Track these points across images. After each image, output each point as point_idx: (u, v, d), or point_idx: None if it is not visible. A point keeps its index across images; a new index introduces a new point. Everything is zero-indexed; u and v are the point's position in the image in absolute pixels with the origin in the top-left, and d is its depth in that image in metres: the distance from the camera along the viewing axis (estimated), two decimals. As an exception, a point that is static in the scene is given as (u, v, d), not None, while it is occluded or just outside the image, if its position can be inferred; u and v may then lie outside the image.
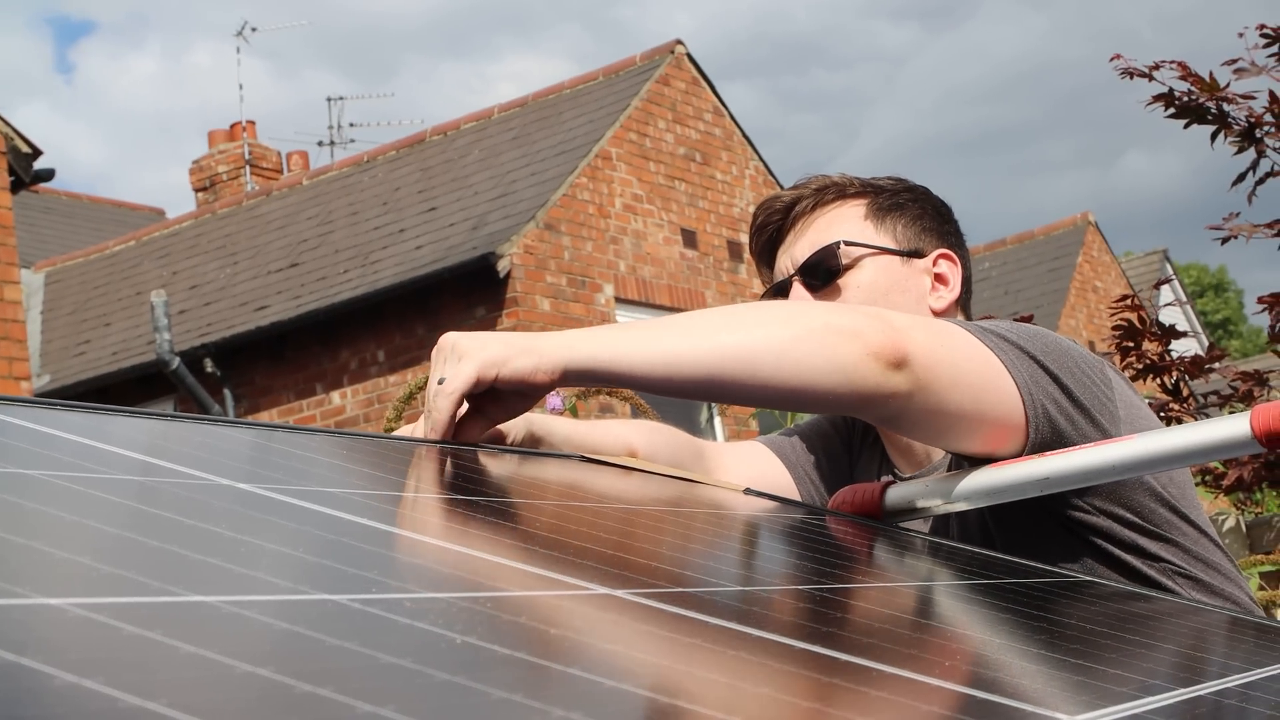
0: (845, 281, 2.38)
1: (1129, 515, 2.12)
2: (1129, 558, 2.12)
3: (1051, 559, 2.12)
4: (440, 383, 1.85)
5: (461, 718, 0.68)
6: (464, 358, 1.84)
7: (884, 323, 1.90)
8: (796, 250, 2.46)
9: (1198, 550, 2.16)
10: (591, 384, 1.91)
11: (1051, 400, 2.02)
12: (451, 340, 1.88)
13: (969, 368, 1.97)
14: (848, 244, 2.41)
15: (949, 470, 2.27)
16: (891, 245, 2.42)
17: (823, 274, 2.40)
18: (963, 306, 2.47)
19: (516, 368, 1.83)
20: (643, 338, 1.89)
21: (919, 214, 2.45)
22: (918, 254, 2.43)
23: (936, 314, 2.38)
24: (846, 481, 2.49)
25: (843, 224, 2.45)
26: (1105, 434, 2.06)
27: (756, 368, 1.87)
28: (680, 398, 1.97)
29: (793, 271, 2.44)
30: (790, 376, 1.87)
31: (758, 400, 1.95)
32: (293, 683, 0.65)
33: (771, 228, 2.52)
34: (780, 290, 2.44)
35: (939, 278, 2.42)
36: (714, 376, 1.87)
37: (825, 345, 1.87)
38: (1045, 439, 2.01)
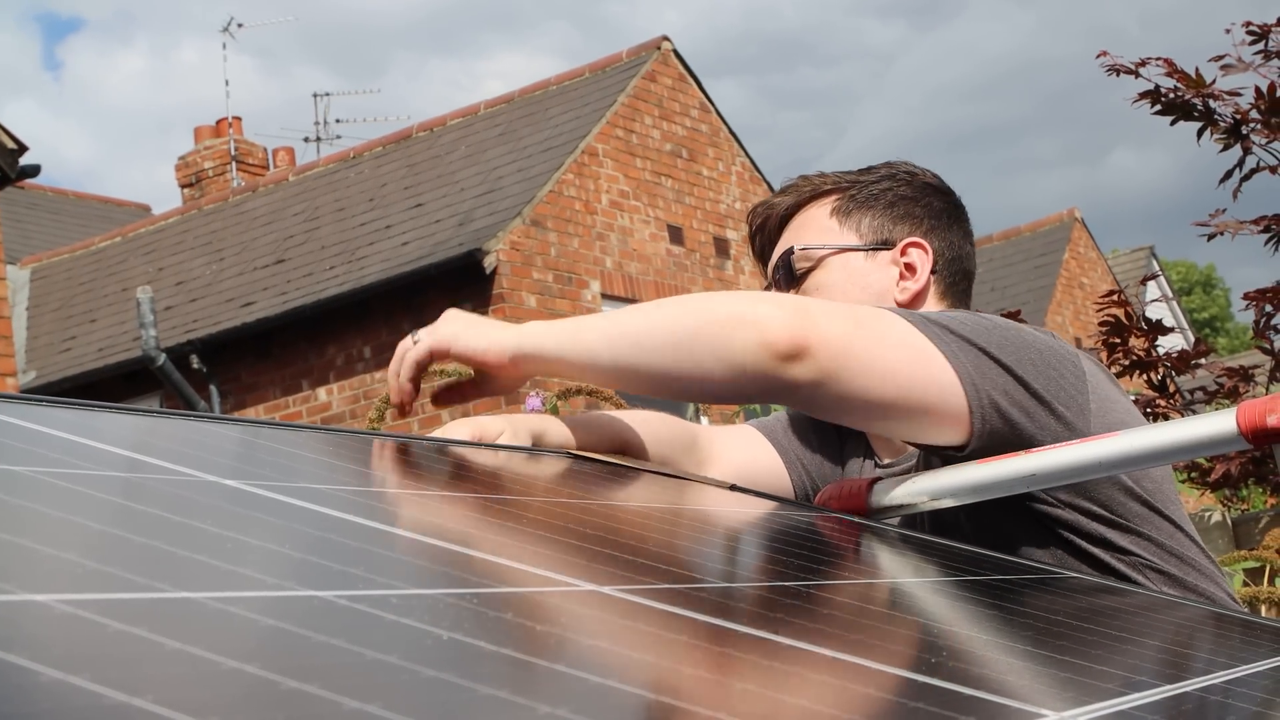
0: (809, 284, 2.40)
1: (1096, 508, 2.11)
2: (1096, 550, 2.11)
3: (1020, 550, 2.12)
4: (416, 343, 2.06)
5: (448, 714, 0.68)
6: (431, 332, 2.04)
7: (793, 312, 1.93)
8: (774, 255, 2.49)
9: (1171, 545, 2.15)
10: (538, 372, 2.05)
11: (1001, 391, 2.01)
12: (450, 315, 2.08)
13: (893, 355, 1.97)
14: (802, 250, 2.42)
15: (918, 460, 2.27)
16: (854, 241, 2.41)
17: (791, 278, 2.42)
18: (949, 291, 2.44)
19: (467, 344, 2.02)
20: (577, 329, 2.02)
21: (891, 202, 2.44)
22: (885, 245, 2.42)
23: (901, 305, 2.36)
24: (837, 463, 2.49)
25: (809, 225, 2.46)
26: (1070, 427, 2.06)
27: (656, 358, 1.96)
28: (607, 386, 2.05)
29: (770, 277, 2.47)
30: (688, 368, 1.94)
31: (662, 391, 2.00)
32: (279, 679, 0.65)
33: (759, 237, 2.55)
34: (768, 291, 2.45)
35: (908, 267, 2.41)
36: (621, 367, 1.99)
37: (720, 337, 1.92)
38: (995, 429, 2.01)
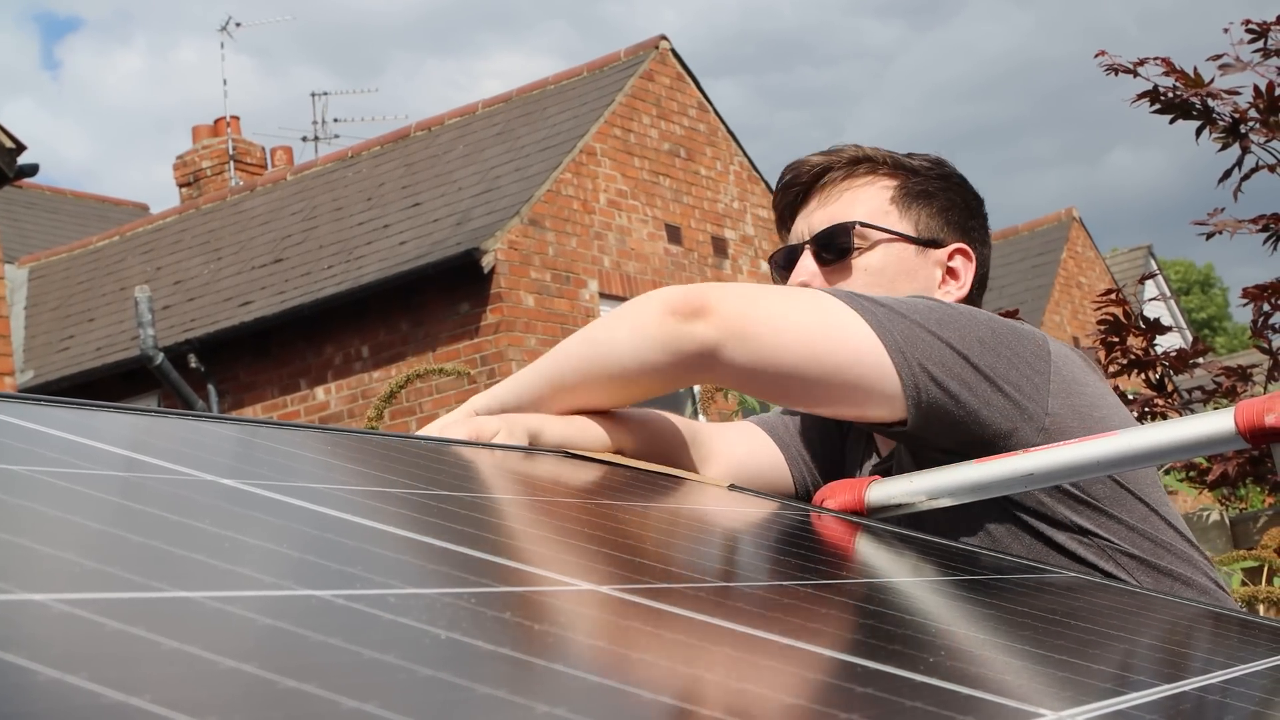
0: (857, 263, 2.36)
1: (1067, 486, 2.10)
2: (1057, 535, 2.10)
3: (988, 535, 2.12)
4: None
5: (445, 713, 0.68)
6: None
7: (689, 286, 2.02)
8: (816, 219, 2.43)
9: (1144, 528, 2.13)
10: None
11: (935, 361, 2.01)
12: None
13: (803, 319, 2.00)
14: (865, 225, 2.38)
15: (895, 459, 2.27)
16: (910, 233, 2.39)
17: (835, 250, 2.37)
18: (970, 302, 2.42)
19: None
20: (519, 375, 2.17)
21: (947, 204, 2.42)
22: (935, 244, 2.40)
23: None
24: (838, 459, 2.48)
25: (867, 202, 2.41)
26: (1020, 406, 2.06)
27: (579, 363, 2.09)
28: (555, 410, 2.14)
29: (807, 238, 2.41)
30: (606, 359, 2.04)
31: (597, 394, 2.12)
32: (277, 678, 0.65)
33: (797, 189, 2.48)
34: (791, 255, 2.42)
35: (951, 272, 2.39)
36: (556, 385, 2.12)
37: (625, 319, 2.04)
38: (934, 400, 2.02)
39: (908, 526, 2.19)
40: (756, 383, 2.06)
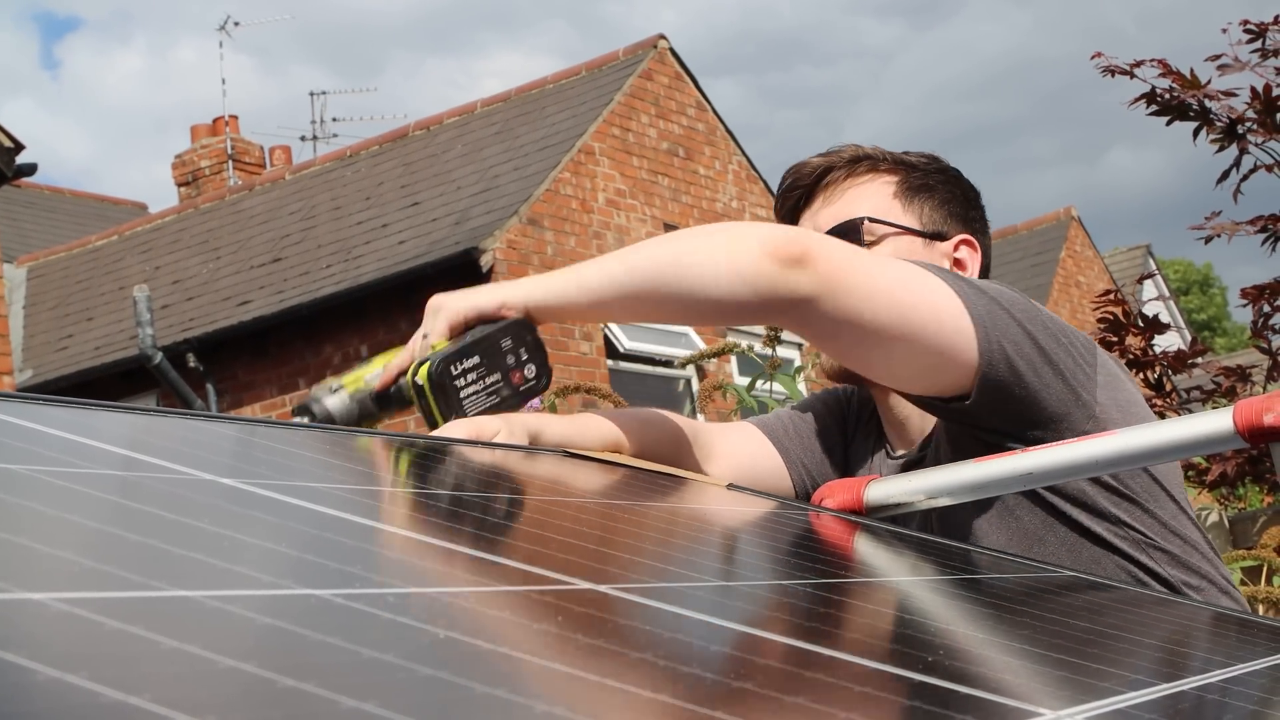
0: None
1: (1107, 479, 2.12)
2: (1096, 526, 2.12)
3: (1019, 523, 2.13)
4: (425, 337, 2.10)
5: (444, 712, 0.68)
6: (439, 311, 2.09)
7: (784, 229, 1.97)
8: (821, 218, 2.43)
9: (1175, 526, 2.16)
10: (551, 320, 2.15)
11: (1010, 340, 2.02)
12: (434, 301, 2.13)
13: (899, 279, 1.98)
14: (872, 221, 2.39)
15: (931, 449, 2.27)
16: (916, 226, 2.40)
17: None
18: None
19: (480, 304, 2.10)
20: (579, 273, 2.06)
21: (947, 197, 2.43)
22: (940, 237, 2.41)
23: None
24: (840, 463, 2.49)
25: (871, 199, 2.42)
26: (1077, 397, 2.08)
27: (660, 281, 1.97)
28: (612, 321, 2.07)
29: None
30: (692, 285, 1.95)
31: (669, 314, 2.03)
32: (276, 677, 0.65)
33: (799, 191, 2.49)
34: None
35: (957, 263, 2.40)
36: (627, 294, 2.00)
37: (721, 249, 1.94)
38: (1000, 378, 2.02)
39: (937, 517, 2.19)
40: (839, 340, 2.02)
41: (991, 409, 2.03)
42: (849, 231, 2.37)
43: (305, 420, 2.11)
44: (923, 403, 2.12)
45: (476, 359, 2.07)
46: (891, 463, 2.38)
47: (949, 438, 2.18)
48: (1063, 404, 2.06)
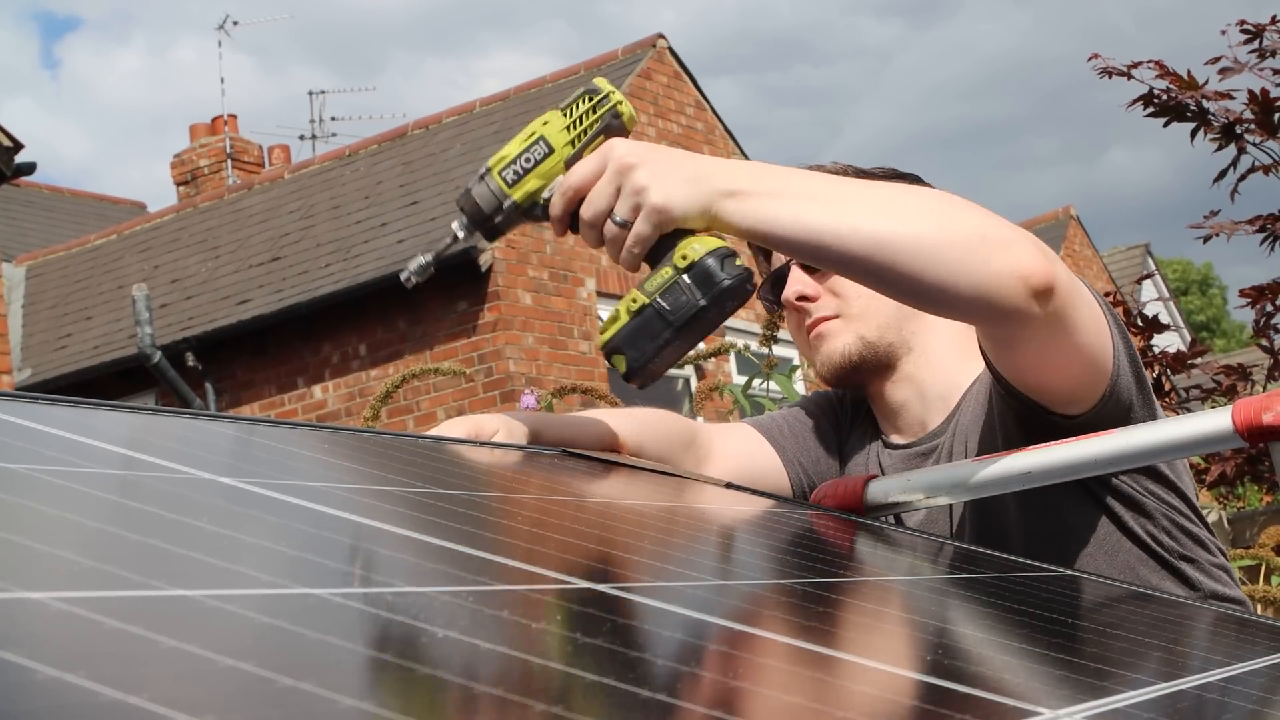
0: (835, 277, 2.35)
1: (1156, 493, 2.15)
2: (1141, 531, 2.14)
3: (1061, 521, 2.14)
4: (621, 225, 1.88)
5: (443, 711, 0.68)
6: (645, 209, 1.87)
7: (1037, 245, 1.86)
8: None
9: (1199, 534, 2.19)
10: (745, 238, 1.92)
11: (1126, 369, 2.05)
12: (629, 168, 1.89)
13: (1090, 315, 1.97)
14: None
15: (941, 447, 2.27)
16: None
17: (813, 268, 2.37)
18: None
19: (677, 212, 1.86)
20: (796, 207, 1.86)
21: None
22: None
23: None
24: (836, 460, 2.49)
25: None
26: (1153, 414, 2.10)
27: (902, 261, 1.83)
28: (824, 268, 1.97)
29: (790, 259, 2.39)
30: (936, 277, 1.83)
31: (894, 290, 1.90)
32: (274, 677, 0.65)
33: None
34: (779, 277, 2.41)
35: None
36: (856, 258, 1.84)
37: (976, 254, 1.83)
38: (1115, 402, 2.04)
39: (969, 514, 2.19)
40: (1037, 360, 1.98)
41: (1091, 425, 2.03)
42: None
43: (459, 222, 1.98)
44: (1024, 405, 2.09)
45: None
46: (892, 452, 2.38)
47: (1003, 432, 2.15)
48: (1143, 420, 2.08)
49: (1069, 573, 1.93)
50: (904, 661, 1.06)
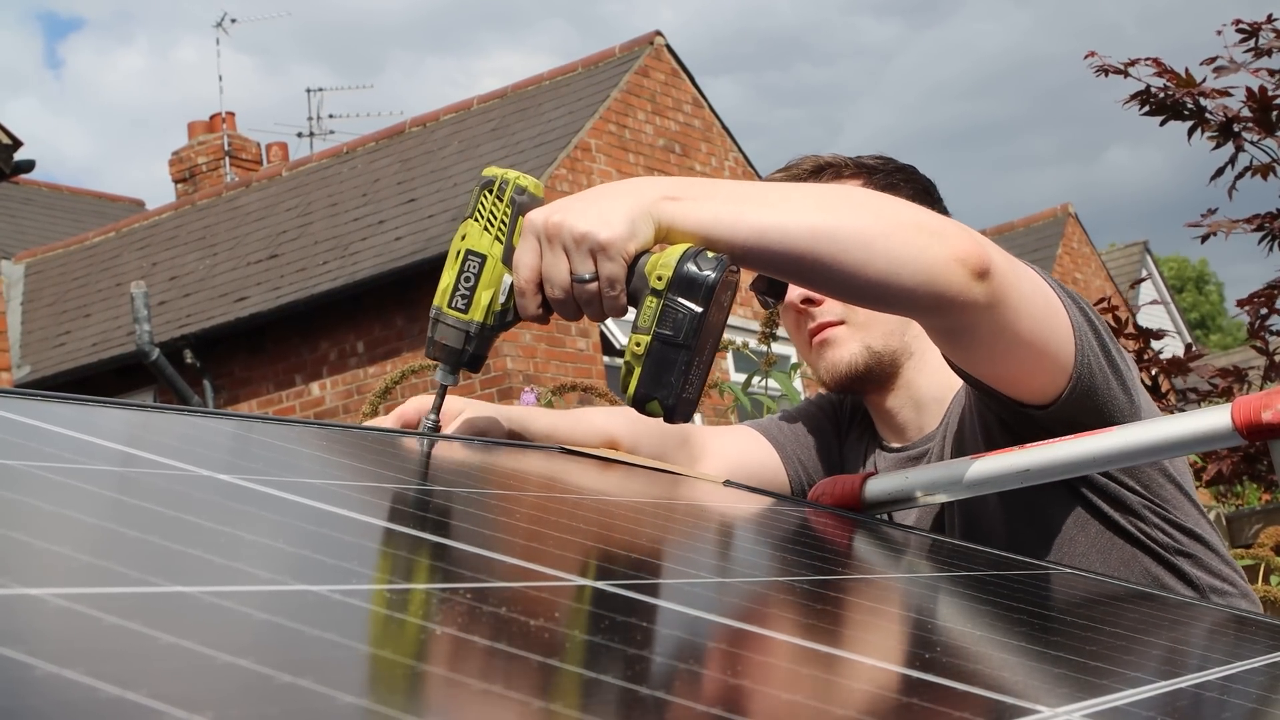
0: None
1: (1138, 488, 2.14)
2: (1132, 527, 2.13)
3: (1049, 521, 2.14)
4: (590, 280, 1.80)
5: (442, 708, 0.68)
6: (599, 252, 1.80)
7: (969, 232, 1.87)
8: None
9: (1197, 529, 2.18)
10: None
11: (1093, 351, 2.02)
12: (557, 226, 1.81)
13: (1035, 296, 1.95)
14: None
15: (939, 447, 2.28)
16: None
17: None
18: None
19: (610, 241, 1.79)
20: (739, 206, 1.83)
21: (911, 195, 2.40)
22: None
23: None
24: (835, 460, 2.49)
25: None
26: (1131, 400, 2.09)
27: (845, 254, 1.81)
28: (764, 271, 1.91)
29: None
30: (879, 269, 1.81)
31: (838, 287, 1.88)
32: (273, 673, 0.65)
33: None
34: None
35: None
36: (802, 254, 1.82)
37: (913, 242, 1.82)
38: (1086, 387, 2.02)
39: (958, 516, 2.19)
40: (985, 346, 1.98)
41: (1068, 418, 2.02)
42: None
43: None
44: (998, 403, 2.08)
45: None
46: (888, 456, 2.39)
47: (985, 436, 2.16)
48: (1122, 411, 2.06)
49: (1068, 570, 1.93)
50: (901, 658, 1.06)
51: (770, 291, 2.40)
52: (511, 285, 1.89)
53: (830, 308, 2.34)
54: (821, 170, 2.44)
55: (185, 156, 23.63)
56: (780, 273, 1.89)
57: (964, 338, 1.95)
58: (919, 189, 2.46)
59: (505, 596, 0.96)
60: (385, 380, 4.77)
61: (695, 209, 1.82)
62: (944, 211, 2.49)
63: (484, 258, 1.91)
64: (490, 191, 1.91)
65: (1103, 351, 2.05)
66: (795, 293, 2.36)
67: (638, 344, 1.78)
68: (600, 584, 1.07)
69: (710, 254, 1.76)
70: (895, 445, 2.40)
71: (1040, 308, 1.96)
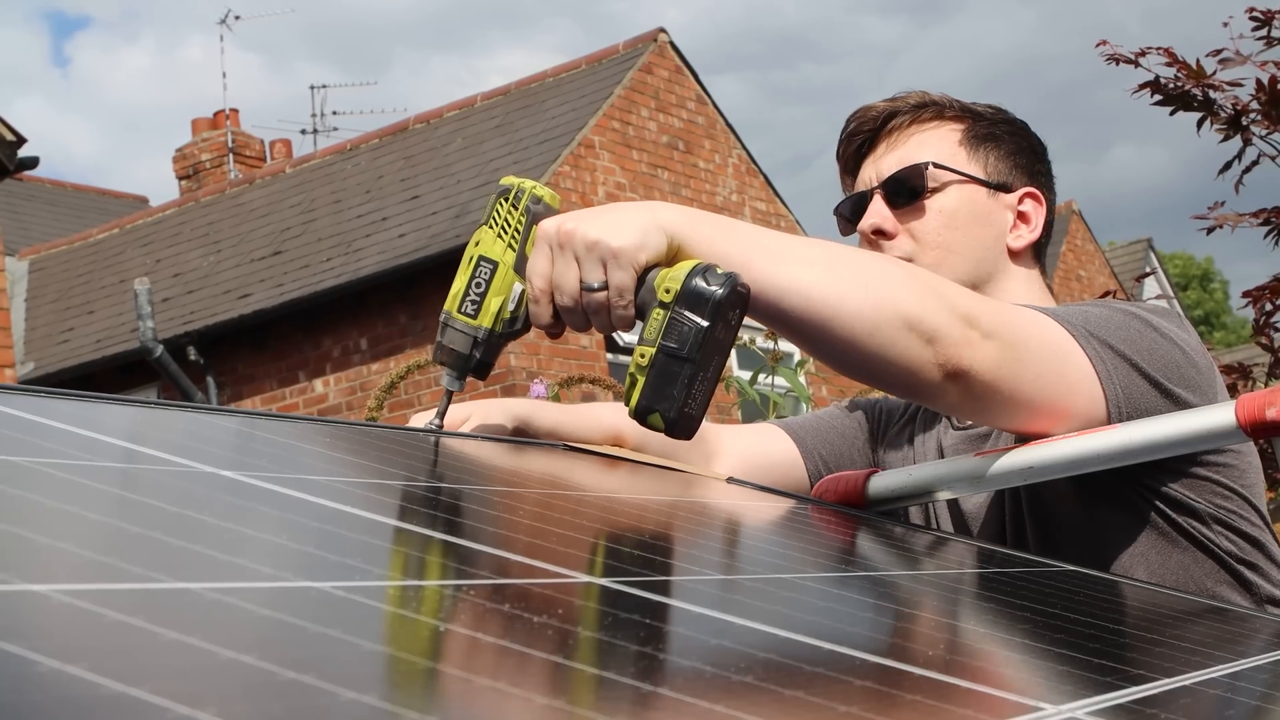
0: (929, 204, 2.33)
1: (1214, 494, 2.12)
2: (1198, 533, 2.10)
3: (1112, 537, 2.11)
4: (599, 288, 1.80)
5: (445, 706, 0.68)
6: (610, 260, 1.80)
7: (962, 325, 1.85)
8: (884, 164, 2.39)
9: (1261, 538, 2.14)
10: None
11: (1127, 379, 1.99)
12: (570, 234, 1.82)
13: (1040, 368, 1.94)
14: (937, 166, 2.35)
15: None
16: (980, 175, 2.37)
17: (906, 192, 2.35)
18: (1039, 249, 2.42)
19: (646, 244, 1.79)
20: (747, 257, 1.82)
21: (1013, 148, 2.40)
22: (1005, 188, 2.37)
23: (1013, 253, 2.35)
24: (864, 458, 2.47)
25: (935, 145, 2.39)
26: (1209, 399, 2.06)
27: (834, 336, 1.82)
28: (770, 320, 1.87)
29: (876, 184, 2.38)
30: (865, 354, 1.82)
31: (821, 355, 1.88)
32: (276, 670, 0.65)
33: (861, 137, 2.45)
34: (859, 203, 2.39)
35: (1022, 216, 2.38)
36: (806, 319, 1.82)
37: (898, 343, 1.81)
38: (1132, 413, 1.99)
39: (1026, 507, 2.18)
40: (974, 417, 2.01)
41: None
42: (913, 175, 2.34)
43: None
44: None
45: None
46: (953, 432, 2.36)
47: None
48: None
49: (1070, 568, 1.92)
50: (904, 656, 1.06)
51: (851, 216, 2.39)
52: (522, 293, 1.90)
53: (900, 243, 2.32)
54: (925, 106, 2.42)
55: (189, 153, 23.63)
56: (768, 324, 1.89)
57: (962, 413, 1.96)
58: (1022, 146, 2.43)
59: (509, 593, 0.96)
60: (391, 375, 4.78)
61: (705, 227, 1.83)
62: (1048, 174, 2.46)
63: (496, 264, 1.92)
64: (506, 199, 1.93)
65: (1140, 375, 2.01)
66: (866, 222, 2.35)
67: (642, 355, 1.77)
68: (602, 581, 1.07)
69: (720, 270, 1.75)
70: (962, 423, 2.37)
71: (1048, 371, 1.94)
